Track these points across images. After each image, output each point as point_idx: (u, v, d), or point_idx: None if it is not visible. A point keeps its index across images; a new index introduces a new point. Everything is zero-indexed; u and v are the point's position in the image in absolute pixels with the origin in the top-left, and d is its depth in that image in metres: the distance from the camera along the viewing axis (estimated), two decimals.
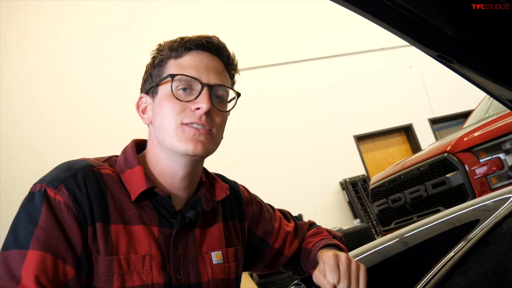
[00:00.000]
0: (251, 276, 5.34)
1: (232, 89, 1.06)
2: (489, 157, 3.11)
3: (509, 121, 3.10)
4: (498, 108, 4.21)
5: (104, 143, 6.00)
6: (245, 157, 7.02)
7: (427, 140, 7.36)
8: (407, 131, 8.48)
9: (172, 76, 0.97)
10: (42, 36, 7.18)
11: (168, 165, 1.00)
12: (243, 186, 1.25)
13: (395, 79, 8.47)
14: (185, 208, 1.03)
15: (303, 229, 1.26)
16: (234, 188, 1.20)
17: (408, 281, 1.05)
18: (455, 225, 1.32)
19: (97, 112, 6.99)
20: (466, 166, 3.18)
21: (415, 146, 8.23)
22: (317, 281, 1.00)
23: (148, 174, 0.99)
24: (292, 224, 1.26)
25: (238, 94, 1.06)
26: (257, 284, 5.07)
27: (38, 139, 6.69)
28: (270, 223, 1.21)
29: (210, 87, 0.99)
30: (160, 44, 1.04)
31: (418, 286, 0.95)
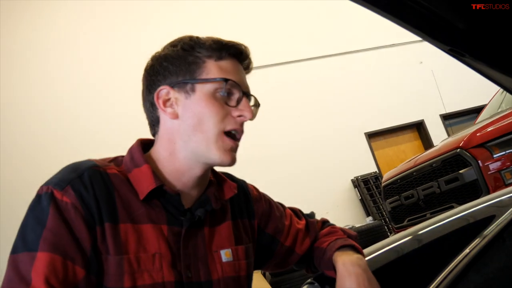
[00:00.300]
0: (264, 275, 5.33)
1: (257, 99, 1.08)
2: (503, 152, 3.08)
3: None
4: (511, 102, 4.16)
5: (107, 144, 6.03)
6: (256, 156, 7.01)
7: (439, 136, 7.30)
8: (418, 128, 8.42)
9: (226, 80, 0.98)
10: (48, 36, 7.24)
11: (186, 164, 1.00)
12: (252, 185, 1.25)
13: (406, 75, 8.41)
14: (194, 207, 1.02)
15: (315, 226, 1.25)
16: (243, 187, 1.19)
17: (423, 278, 1.03)
18: (470, 222, 1.30)
19: (100, 113, 7.03)
20: (479, 161, 3.15)
21: (427, 142, 8.17)
22: None
23: (156, 173, 0.99)
24: (303, 222, 1.25)
25: (259, 104, 1.09)
26: (270, 283, 5.06)
27: (41, 141, 6.74)
28: (280, 221, 1.20)
29: (248, 96, 1.02)
30: (188, 39, 1.02)
31: (434, 283, 0.94)
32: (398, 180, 4.02)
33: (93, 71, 7.21)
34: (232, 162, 1.00)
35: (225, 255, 1.03)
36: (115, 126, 6.79)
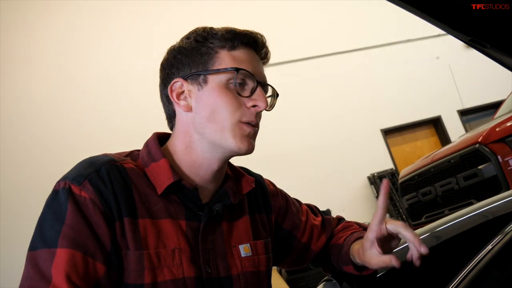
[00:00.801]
0: (280, 273, 5.32)
1: (274, 89, 1.06)
2: None
3: None
4: None
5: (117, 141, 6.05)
6: (271, 153, 6.99)
7: (457, 133, 7.20)
8: (435, 124, 8.32)
9: (237, 69, 0.96)
10: (59, 34, 7.30)
11: (204, 157, 0.99)
12: (268, 180, 1.23)
13: (422, 70, 8.30)
14: (212, 201, 1.01)
15: (331, 223, 1.23)
16: (259, 181, 1.18)
17: (442, 276, 1.01)
18: (489, 218, 1.27)
19: (111, 108, 7.08)
20: (499, 157, 3.08)
21: (444, 138, 8.06)
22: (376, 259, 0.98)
23: (173, 167, 0.98)
24: (319, 219, 1.23)
25: (278, 94, 1.07)
26: (286, 280, 5.05)
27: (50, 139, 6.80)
28: (297, 217, 1.19)
29: (262, 85, 1.00)
30: (202, 30, 1.01)
31: (456, 280, 0.92)
32: (416, 177, 3.97)
33: (105, 69, 7.25)
34: (249, 148, 0.98)
35: (244, 250, 1.02)
36: (123, 125, 6.83)
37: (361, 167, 7.46)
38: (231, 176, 1.08)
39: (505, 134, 3.13)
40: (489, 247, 0.99)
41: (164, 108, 1.05)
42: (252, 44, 1.01)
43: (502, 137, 3.13)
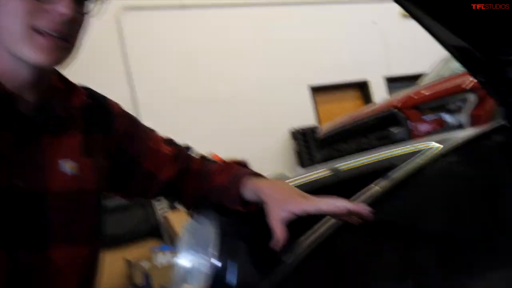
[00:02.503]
0: None
1: None
2: (435, 116, 3.17)
3: (457, 81, 3.16)
4: (451, 71, 4.28)
5: None
6: (193, 97, 6.79)
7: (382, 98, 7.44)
8: (362, 87, 8.56)
9: None
10: None
11: (10, 66, 0.87)
12: (116, 103, 1.12)
13: (357, 33, 8.41)
14: (33, 113, 0.90)
15: (187, 158, 1.14)
16: (101, 101, 1.07)
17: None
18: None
19: None
20: (411, 123, 3.23)
21: (369, 102, 8.32)
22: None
23: None
24: (171, 149, 1.14)
25: None
26: None
27: None
28: (145, 143, 1.10)
29: None
30: None
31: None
32: (334, 133, 4.10)
33: None
34: (48, 61, 0.84)
35: (68, 166, 0.94)
36: None
37: (284, 120, 7.54)
38: (61, 89, 0.97)
39: (420, 101, 3.28)
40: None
41: None
42: None
43: (416, 103, 3.28)
